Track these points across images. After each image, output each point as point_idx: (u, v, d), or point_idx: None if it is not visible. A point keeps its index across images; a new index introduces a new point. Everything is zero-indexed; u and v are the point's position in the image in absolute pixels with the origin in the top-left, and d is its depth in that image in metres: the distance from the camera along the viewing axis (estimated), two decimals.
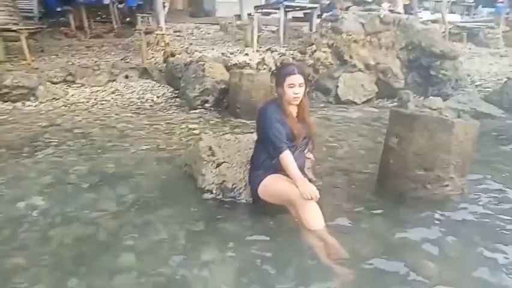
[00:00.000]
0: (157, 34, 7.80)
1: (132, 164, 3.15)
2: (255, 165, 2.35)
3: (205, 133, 3.67)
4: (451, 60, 5.81)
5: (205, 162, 2.64)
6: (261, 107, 2.33)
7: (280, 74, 2.26)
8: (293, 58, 6.08)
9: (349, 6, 10.67)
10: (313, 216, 2.05)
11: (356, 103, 5.53)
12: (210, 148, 2.72)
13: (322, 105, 5.45)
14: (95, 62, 6.79)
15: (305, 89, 2.22)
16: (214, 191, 2.54)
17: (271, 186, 2.21)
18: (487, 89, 6.13)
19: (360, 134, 4.12)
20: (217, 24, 10.40)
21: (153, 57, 7.21)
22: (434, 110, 2.53)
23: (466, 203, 2.52)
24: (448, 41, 8.15)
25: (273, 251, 2.00)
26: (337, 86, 5.63)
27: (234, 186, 2.52)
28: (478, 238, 2.17)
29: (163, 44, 7.61)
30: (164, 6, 8.62)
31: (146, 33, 7.42)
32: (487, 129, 4.02)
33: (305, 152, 2.43)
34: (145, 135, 3.94)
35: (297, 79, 2.16)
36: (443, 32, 8.94)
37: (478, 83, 6.62)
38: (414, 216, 2.36)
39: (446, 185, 2.47)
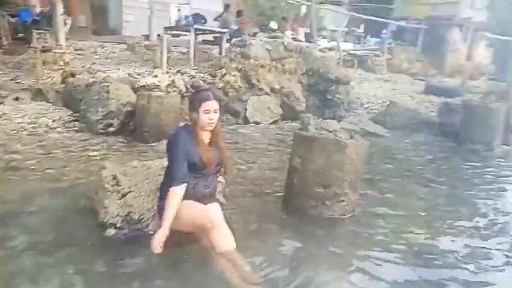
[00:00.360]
0: (56, 52, 7.14)
1: (20, 201, 2.76)
2: (165, 193, 2.27)
3: (109, 160, 3.45)
4: (344, 85, 6.56)
5: (108, 192, 2.44)
6: (172, 133, 2.28)
7: (195, 99, 2.22)
8: (204, 81, 6.14)
9: (256, 33, 11.34)
10: (222, 238, 2.06)
11: (263, 125, 5.82)
12: (115, 177, 2.52)
13: (232, 127, 5.58)
14: None
15: (220, 115, 2.23)
16: (118, 225, 2.36)
17: (182, 213, 2.14)
18: (373, 111, 7.05)
19: (267, 155, 4.32)
20: (124, 43, 9.94)
21: (50, 77, 6.53)
22: (331, 132, 2.81)
23: (358, 216, 2.82)
24: (341, 67, 9.16)
25: (184, 283, 1.95)
26: (245, 109, 5.89)
27: (141, 217, 2.39)
28: (371, 247, 2.45)
29: (61, 63, 6.96)
30: (65, 24, 7.98)
31: (43, 51, 6.73)
32: (374, 148, 4.59)
33: (217, 176, 2.45)
34: (37, 166, 3.49)
35: (212, 105, 2.16)
36: (338, 59, 10.04)
37: (366, 105, 7.55)
38: (315, 232, 2.56)
39: (342, 200, 2.75)
